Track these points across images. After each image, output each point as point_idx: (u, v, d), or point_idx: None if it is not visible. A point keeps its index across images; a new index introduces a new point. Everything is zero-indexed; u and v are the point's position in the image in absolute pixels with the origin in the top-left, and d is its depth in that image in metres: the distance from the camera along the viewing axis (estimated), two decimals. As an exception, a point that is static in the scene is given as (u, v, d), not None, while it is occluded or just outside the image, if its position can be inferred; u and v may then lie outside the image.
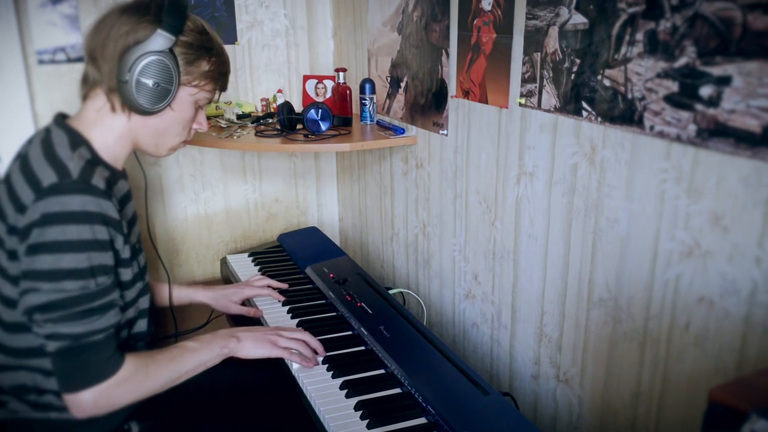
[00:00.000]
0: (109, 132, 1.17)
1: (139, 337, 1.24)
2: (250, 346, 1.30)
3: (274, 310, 1.64)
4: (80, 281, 1.04)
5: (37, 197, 1.03)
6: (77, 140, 1.13)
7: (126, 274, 1.16)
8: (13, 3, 1.98)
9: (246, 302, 1.66)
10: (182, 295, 1.56)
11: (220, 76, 1.23)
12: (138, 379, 1.12)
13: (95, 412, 1.09)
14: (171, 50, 1.13)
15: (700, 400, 1.11)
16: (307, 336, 1.40)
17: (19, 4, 1.99)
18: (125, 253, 1.14)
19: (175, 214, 2.39)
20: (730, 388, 0.73)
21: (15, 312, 1.09)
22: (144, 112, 1.15)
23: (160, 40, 1.11)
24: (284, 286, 1.73)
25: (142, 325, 1.24)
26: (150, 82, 1.11)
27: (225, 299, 1.60)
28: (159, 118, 1.17)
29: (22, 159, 1.12)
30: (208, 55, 1.18)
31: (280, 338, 1.35)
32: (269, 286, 1.69)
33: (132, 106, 1.14)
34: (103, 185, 1.08)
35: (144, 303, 1.24)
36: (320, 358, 1.40)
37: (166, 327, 1.47)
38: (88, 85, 1.17)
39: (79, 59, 2.09)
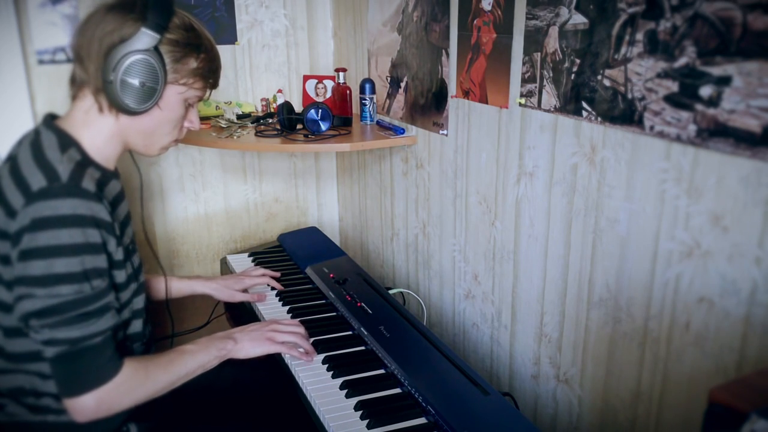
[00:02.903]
0: (99, 133, 1.15)
1: (135, 338, 1.23)
2: (247, 346, 1.31)
3: (275, 309, 1.64)
4: (75, 285, 1.03)
5: (27, 202, 1.02)
6: (67, 142, 1.11)
7: (120, 276, 1.15)
8: (13, 3, 1.98)
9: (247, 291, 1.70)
10: (182, 286, 1.56)
11: (209, 74, 1.20)
12: (138, 381, 1.12)
13: (96, 416, 1.08)
14: (156, 48, 1.10)
15: (700, 400, 1.11)
16: (302, 329, 1.42)
17: (19, 4, 1.99)
18: (118, 255, 1.13)
19: (175, 214, 2.38)
20: (730, 388, 0.73)
21: (11, 316, 1.08)
22: (130, 112, 1.12)
23: (145, 38, 1.08)
24: (277, 274, 1.77)
25: (137, 326, 1.23)
26: (135, 82, 1.09)
27: (227, 289, 1.62)
28: (147, 117, 1.15)
29: (12, 161, 1.10)
30: (197, 52, 1.15)
31: (276, 333, 1.36)
32: (264, 275, 1.74)
33: (118, 107, 1.11)
34: (94, 188, 1.07)
35: (138, 303, 1.23)
36: (320, 356, 1.40)
37: (164, 328, 1.46)
38: (76, 86, 1.15)
39: (79, 59, 2.09)
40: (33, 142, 1.11)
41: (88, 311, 1.05)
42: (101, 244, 1.07)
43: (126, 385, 1.10)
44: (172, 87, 1.15)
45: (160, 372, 1.16)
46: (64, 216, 1.02)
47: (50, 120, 1.16)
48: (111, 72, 1.08)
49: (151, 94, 1.12)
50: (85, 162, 1.11)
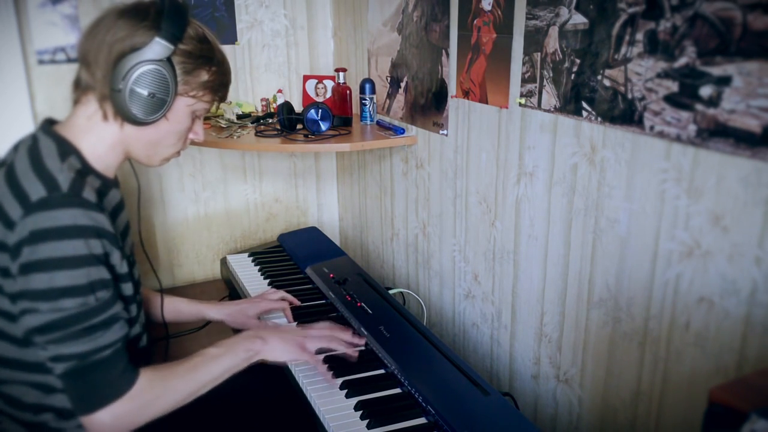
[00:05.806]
0: (100, 141, 1.11)
1: (143, 352, 1.21)
2: (278, 349, 1.25)
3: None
4: (79, 298, 1.00)
5: (26, 213, 0.98)
6: (66, 149, 1.08)
7: (127, 288, 1.12)
8: (13, 3, 1.98)
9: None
10: (192, 310, 1.49)
11: (219, 87, 1.17)
12: (156, 393, 1.08)
13: None
14: (169, 59, 1.06)
15: (700, 400, 1.11)
16: (335, 331, 1.36)
17: (19, 4, 1.99)
18: (123, 267, 1.10)
19: (175, 214, 2.38)
20: (730, 388, 0.73)
21: (16, 326, 1.05)
22: (137, 122, 1.09)
23: (158, 48, 1.04)
24: (297, 302, 1.64)
25: (144, 340, 1.21)
26: (145, 92, 1.05)
27: (241, 315, 1.51)
28: (153, 128, 1.12)
29: (8, 169, 1.06)
30: (208, 64, 1.12)
31: (307, 340, 1.30)
32: (284, 299, 1.60)
33: (125, 116, 1.08)
34: (94, 198, 1.03)
35: (143, 317, 1.21)
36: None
37: (158, 329, 1.44)
38: (80, 90, 1.11)
39: (79, 59, 2.09)
40: (31, 149, 1.07)
41: (93, 324, 1.01)
42: (104, 255, 1.04)
43: (143, 399, 1.06)
44: (181, 99, 1.11)
45: (181, 382, 1.12)
46: (65, 227, 0.98)
47: (48, 126, 1.12)
48: (120, 80, 1.05)
49: (160, 106, 1.09)
50: (85, 170, 1.08)
